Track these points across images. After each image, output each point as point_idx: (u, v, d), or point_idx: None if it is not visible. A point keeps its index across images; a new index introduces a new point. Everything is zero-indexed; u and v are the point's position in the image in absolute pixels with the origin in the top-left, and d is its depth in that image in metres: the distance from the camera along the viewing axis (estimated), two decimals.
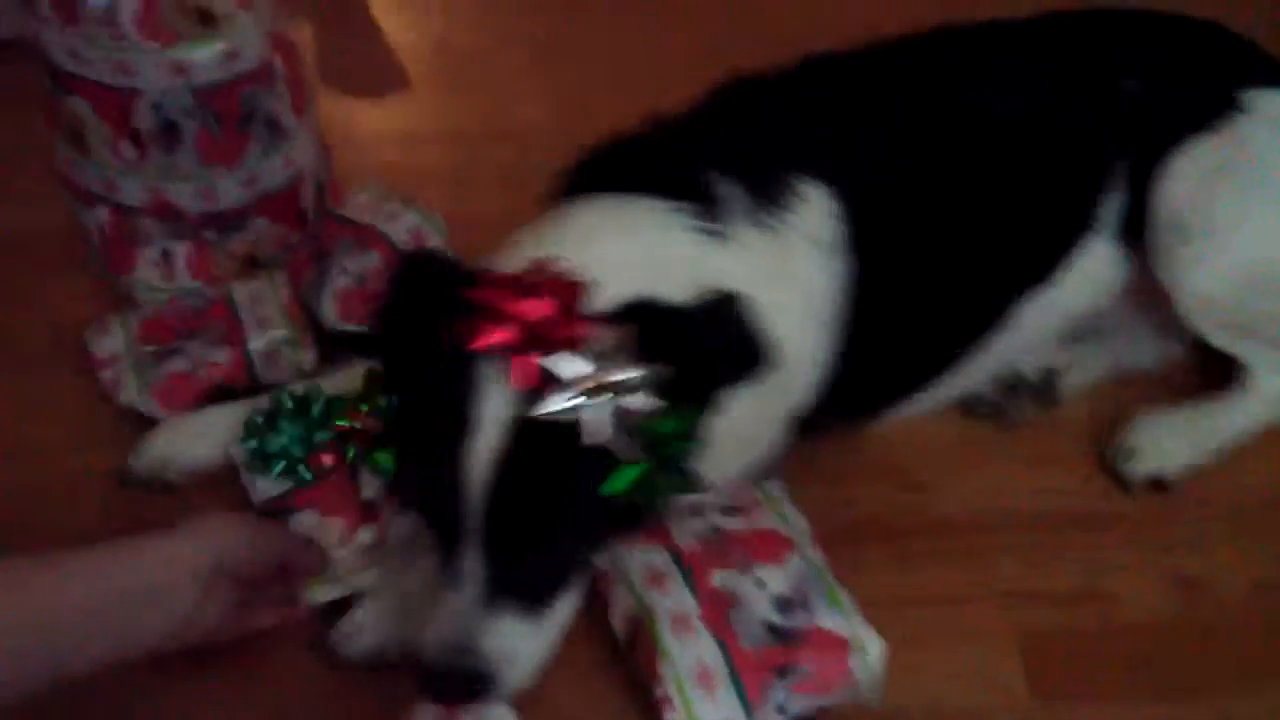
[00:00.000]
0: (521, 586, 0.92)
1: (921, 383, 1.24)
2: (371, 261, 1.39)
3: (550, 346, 0.87)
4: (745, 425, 1.06)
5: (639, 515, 0.97)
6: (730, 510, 1.12)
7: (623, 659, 1.08)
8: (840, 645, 1.02)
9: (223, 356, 1.33)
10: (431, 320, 0.92)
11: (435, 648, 0.92)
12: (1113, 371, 1.37)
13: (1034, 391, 1.32)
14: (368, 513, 1.14)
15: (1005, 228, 1.21)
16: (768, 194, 1.08)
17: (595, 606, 1.08)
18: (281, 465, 1.17)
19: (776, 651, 1.01)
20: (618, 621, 1.07)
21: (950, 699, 1.08)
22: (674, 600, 1.05)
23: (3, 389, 1.34)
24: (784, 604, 1.04)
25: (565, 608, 0.97)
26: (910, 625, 1.07)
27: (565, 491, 0.90)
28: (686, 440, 0.92)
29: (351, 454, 1.15)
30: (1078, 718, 1.07)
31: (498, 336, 0.87)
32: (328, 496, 1.15)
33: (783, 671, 1.00)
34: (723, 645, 1.02)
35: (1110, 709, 1.07)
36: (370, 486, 1.15)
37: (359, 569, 1.10)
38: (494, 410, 0.88)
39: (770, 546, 1.09)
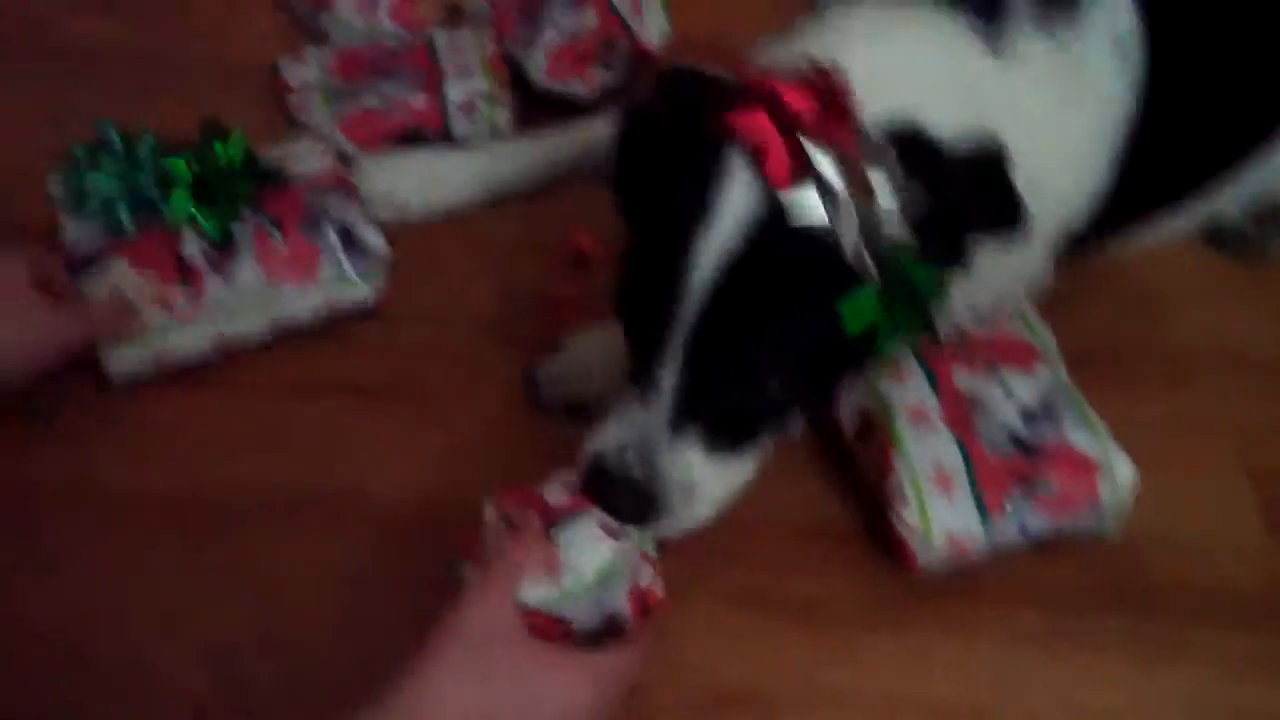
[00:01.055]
0: (716, 418, 0.81)
1: (1184, 198, 1.14)
2: (586, 20, 1.30)
3: (813, 143, 0.75)
4: (1004, 259, 0.96)
5: (864, 359, 0.83)
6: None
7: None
8: (1088, 466, 0.93)
9: (418, 101, 1.25)
10: (682, 114, 0.81)
11: (611, 453, 0.81)
12: None
13: None
14: (185, 271, 1.04)
15: None
16: None
17: None
18: (95, 206, 1.04)
19: (1020, 462, 0.93)
20: (846, 414, 0.99)
21: (1180, 529, 1.00)
22: (913, 394, 0.97)
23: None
24: (1030, 415, 0.95)
25: (758, 455, 0.85)
26: (1137, 452, 0.97)
27: (800, 309, 0.77)
28: (935, 289, 0.80)
29: (176, 205, 1.04)
30: None
31: (757, 123, 0.76)
32: (142, 248, 1.04)
33: (1025, 484, 0.92)
34: (963, 447, 0.94)
35: None
36: (192, 243, 1.04)
37: (167, 330, 1.03)
38: (737, 202, 0.76)
39: (1017, 354, 1.00)
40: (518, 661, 0.75)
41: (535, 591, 0.78)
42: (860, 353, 0.81)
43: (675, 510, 0.81)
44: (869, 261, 0.76)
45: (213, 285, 1.05)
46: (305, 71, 1.27)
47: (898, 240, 0.77)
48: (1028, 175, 0.85)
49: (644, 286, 0.80)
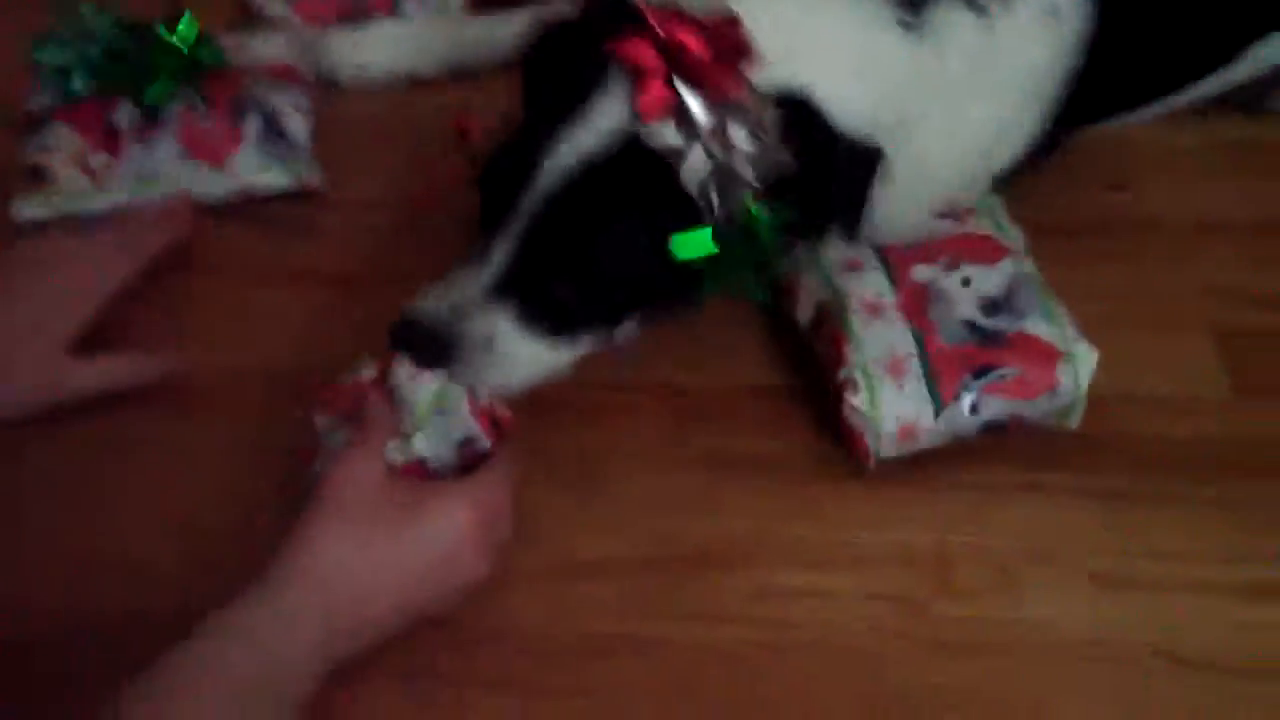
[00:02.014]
0: (535, 300, 0.84)
1: (1152, 100, 1.11)
2: None
3: (690, 85, 0.77)
4: (926, 184, 0.96)
5: (688, 292, 0.85)
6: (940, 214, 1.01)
7: None
8: (1048, 353, 0.91)
9: None
10: (585, 31, 0.83)
11: (425, 303, 0.84)
12: None
13: None
14: (110, 138, 1.06)
15: None
16: None
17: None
18: (51, 76, 1.08)
19: (977, 350, 0.91)
20: (802, 307, 0.97)
21: (1146, 387, 0.98)
22: (869, 287, 0.95)
23: None
24: (991, 306, 0.93)
25: (574, 348, 0.87)
26: (1102, 314, 0.96)
27: (633, 223, 0.80)
28: (774, 246, 0.82)
29: (116, 76, 1.07)
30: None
31: (642, 52, 0.78)
32: (80, 113, 1.07)
33: (981, 371, 0.90)
34: (918, 336, 0.92)
35: None
36: (123, 113, 1.07)
37: (80, 191, 1.04)
38: (605, 115, 0.79)
39: (982, 249, 0.98)
40: (392, 511, 0.78)
41: (388, 449, 0.82)
42: (685, 285, 0.83)
43: (471, 361, 0.84)
44: (715, 202, 0.79)
45: (131, 153, 1.06)
46: None
47: (750, 193, 0.79)
48: (939, 143, 0.91)
49: (504, 166, 0.83)
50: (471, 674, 0.83)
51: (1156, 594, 0.87)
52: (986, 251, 0.98)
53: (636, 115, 0.78)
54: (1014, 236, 1.00)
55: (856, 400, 0.90)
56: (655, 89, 0.78)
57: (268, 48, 1.15)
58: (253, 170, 1.08)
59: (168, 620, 0.70)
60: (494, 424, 0.85)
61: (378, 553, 0.77)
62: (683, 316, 0.90)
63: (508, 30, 1.20)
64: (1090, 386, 0.92)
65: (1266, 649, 0.85)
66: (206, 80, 1.09)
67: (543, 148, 0.81)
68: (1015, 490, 0.92)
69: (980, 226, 1.00)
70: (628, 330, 0.89)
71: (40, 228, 1.04)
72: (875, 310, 0.94)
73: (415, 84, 1.20)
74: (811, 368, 0.97)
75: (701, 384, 0.98)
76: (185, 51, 1.07)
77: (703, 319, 0.92)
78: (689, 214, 0.80)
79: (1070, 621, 0.86)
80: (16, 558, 0.86)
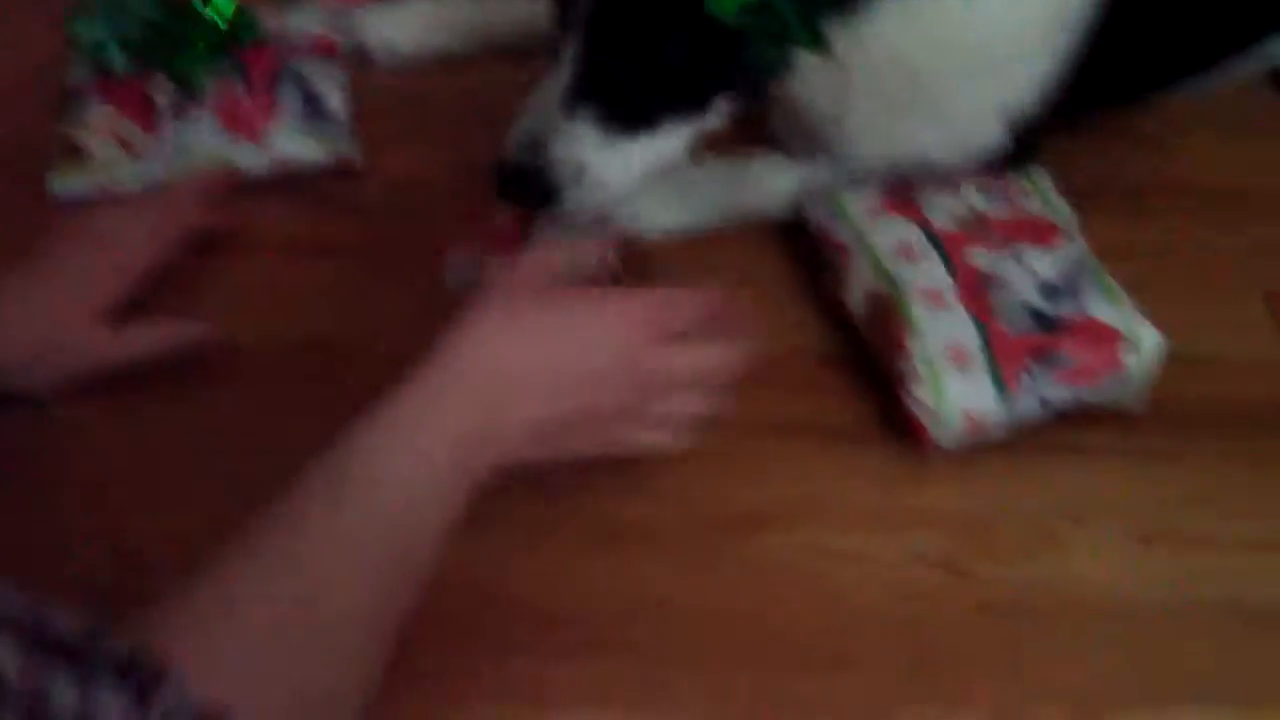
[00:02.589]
0: (612, 97, 0.84)
1: (1188, 74, 1.10)
2: None
3: None
4: (951, 104, 0.94)
5: (751, 53, 0.84)
6: (991, 194, 1.00)
7: None
8: (1111, 336, 0.90)
9: None
10: None
11: (509, 141, 0.85)
12: None
13: None
14: (147, 114, 1.07)
15: None
16: None
17: None
18: (88, 52, 1.09)
19: (1039, 337, 0.90)
20: (856, 297, 0.96)
21: (1192, 348, 0.96)
22: (926, 275, 0.94)
23: None
24: (1050, 290, 0.92)
25: (663, 144, 0.87)
26: (1145, 272, 0.96)
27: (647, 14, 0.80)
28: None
29: (154, 52, 1.08)
30: None
31: None
32: (117, 88, 1.07)
33: (1044, 358, 0.89)
34: (979, 324, 0.91)
35: None
36: (164, 91, 1.07)
37: (117, 165, 1.04)
38: None
39: (1037, 232, 0.97)
40: (551, 313, 0.74)
41: None
42: (739, 46, 0.82)
43: (567, 193, 0.84)
44: None
45: (168, 128, 1.07)
46: None
47: None
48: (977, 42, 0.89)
49: None
50: (517, 641, 0.82)
51: (1202, 552, 0.87)
52: (1041, 233, 0.97)
53: None
54: (1065, 214, 1.00)
55: (921, 393, 0.89)
56: None
57: (305, 22, 1.15)
58: (290, 145, 1.08)
59: None
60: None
61: (532, 342, 0.73)
62: (765, 93, 0.89)
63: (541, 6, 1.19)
64: None
65: None
66: (244, 55, 1.09)
67: None
68: (1058, 451, 0.92)
69: (1031, 205, 1.00)
70: (715, 114, 0.88)
71: (78, 202, 1.04)
72: (936, 299, 0.93)
73: (451, 59, 1.20)
74: (852, 331, 0.97)
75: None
76: (222, 26, 1.08)
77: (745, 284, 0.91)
78: None
79: (1117, 582, 0.86)
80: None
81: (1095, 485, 0.90)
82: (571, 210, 0.86)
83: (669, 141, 0.87)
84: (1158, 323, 0.92)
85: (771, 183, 1.04)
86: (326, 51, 1.14)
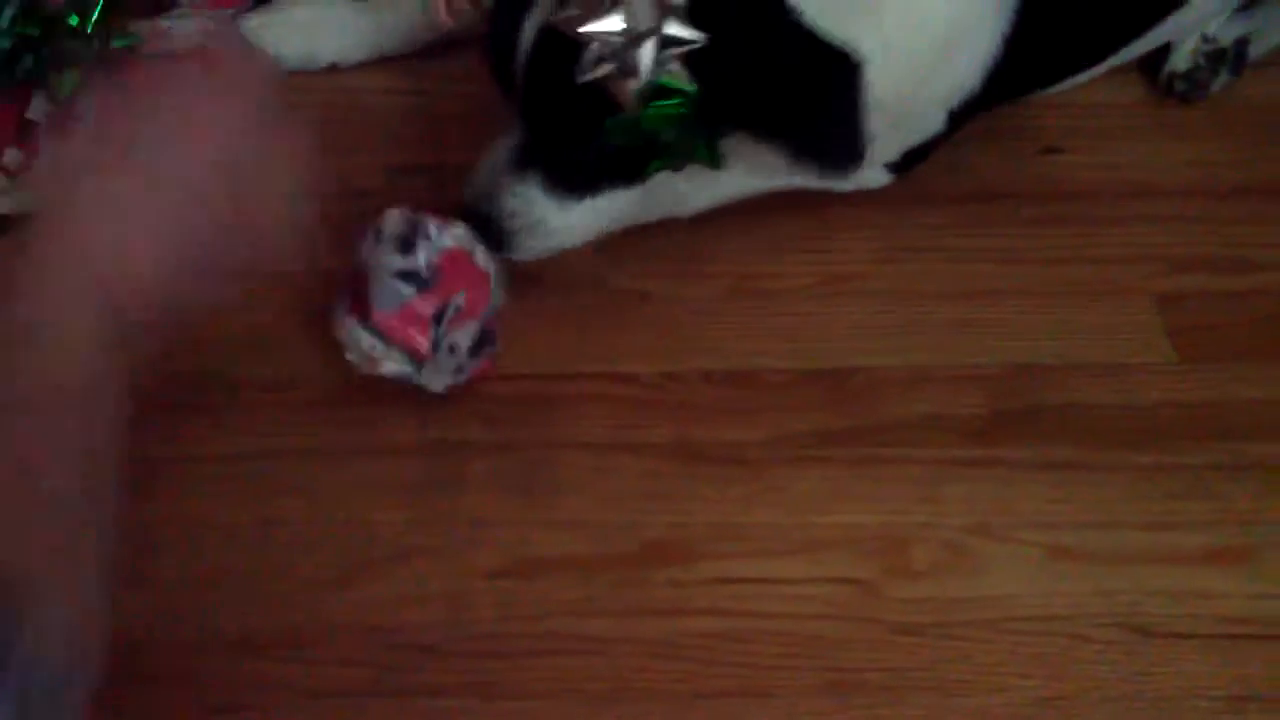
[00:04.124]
0: (555, 167, 0.89)
1: (1097, 57, 1.11)
2: None
3: None
4: (896, 106, 0.92)
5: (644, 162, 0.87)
6: None
7: None
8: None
9: None
10: None
11: (467, 191, 0.92)
12: None
13: (1230, 60, 1.16)
14: (24, 133, 1.02)
15: None
16: None
17: None
18: None
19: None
20: None
21: (1087, 355, 0.98)
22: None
23: None
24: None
25: (607, 204, 0.91)
26: (1045, 279, 1.00)
27: (575, 102, 0.83)
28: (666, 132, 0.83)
29: (28, 66, 1.02)
30: (1223, 379, 0.98)
31: None
32: None
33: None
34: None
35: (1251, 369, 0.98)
36: (38, 107, 1.03)
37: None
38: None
39: None
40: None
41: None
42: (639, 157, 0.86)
43: (519, 240, 0.91)
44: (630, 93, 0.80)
45: (47, 147, 1.01)
46: None
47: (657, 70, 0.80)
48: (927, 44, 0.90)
49: (496, 30, 0.89)
50: (424, 678, 0.81)
51: (1111, 565, 0.87)
52: None
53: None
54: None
55: None
56: None
57: (183, 30, 1.10)
58: None
59: None
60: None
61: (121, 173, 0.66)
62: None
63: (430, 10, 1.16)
64: (1034, 356, 0.96)
65: (1224, 613, 0.86)
66: (122, 68, 1.03)
67: (514, 34, 0.85)
68: (963, 465, 0.92)
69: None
70: (655, 184, 0.90)
71: None
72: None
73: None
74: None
75: (647, 371, 0.96)
76: (97, 39, 1.02)
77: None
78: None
79: (1027, 596, 0.86)
80: None
81: (1003, 498, 0.91)
82: (526, 256, 0.92)
83: (614, 202, 0.91)
84: (1059, 331, 0.96)
85: None
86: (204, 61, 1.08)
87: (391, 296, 0.86)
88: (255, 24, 1.13)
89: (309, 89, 1.13)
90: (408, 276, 0.86)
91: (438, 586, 0.84)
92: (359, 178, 1.05)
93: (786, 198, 1.01)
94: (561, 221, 0.91)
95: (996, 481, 0.91)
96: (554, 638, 0.83)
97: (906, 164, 1.02)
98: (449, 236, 0.88)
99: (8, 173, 1.01)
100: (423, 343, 0.86)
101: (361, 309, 0.87)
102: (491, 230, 0.90)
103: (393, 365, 0.87)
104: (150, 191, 0.66)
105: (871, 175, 1.01)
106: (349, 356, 0.88)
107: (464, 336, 0.88)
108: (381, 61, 1.14)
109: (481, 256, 0.89)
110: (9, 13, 1.02)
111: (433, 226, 0.88)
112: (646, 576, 0.86)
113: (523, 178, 0.90)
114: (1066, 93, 1.11)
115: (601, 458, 0.91)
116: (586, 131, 0.84)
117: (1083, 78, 1.11)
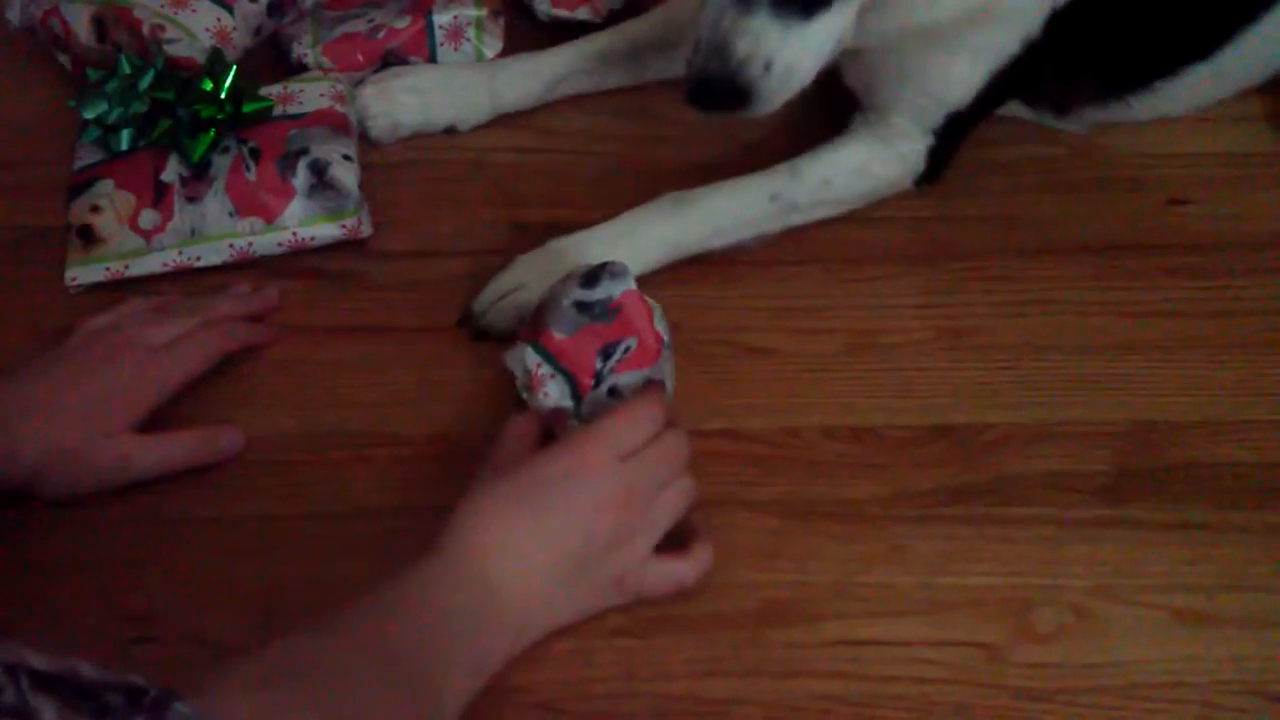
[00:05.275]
0: None
1: (1191, 55, 1.09)
2: None
3: None
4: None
5: None
6: None
7: None
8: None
9: (403, 25, 1.22)
10: None
11: (694, 53, 0.88)
12: None
13: None
14: (159, 195, 1.05)
15: None
16: None
17: None
18: (95, 133, 1.07)
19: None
20: None
21: (1222, 410, 0.97)
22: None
23: None
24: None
25: (837, 19, 0.90)
26: (1176, 333, 1.01)
27: None
28: None
29: (161, 131, 1.05)
30: None
31: None
32: (127, 170, 1.05)
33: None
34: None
35: None
36: (172, 170, 1.05)
37: (132, 251, 1.04)
38: None
39: None
40: (544, 471, 0.80)
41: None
42: None
43: (758, 90, 0.88)
44: None
45: (181, 209, 1.05)
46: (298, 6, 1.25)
47: None
48: None
49: None
50: None
51: (1242, 629, 0.85)
52: None
53: None
54: None
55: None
56: None
57: (317, 94, 1.13)
58: (303, 222, 1.06)
59: None
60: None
61: (529, 524, 0.78)
62: None
63: (544, 74, 1.19)
64: (1162, 412, 0.94)
65: None
66: (251, 131, 1.08)
67: None
68: (1088, 526, 0.90)
69: None
70: None
71: (95, 287, 1.04)
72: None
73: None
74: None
75: (768, 426, 0.96)
76: (230, 104, 1.06)
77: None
78: None
79: (1155, 662, 0.84)
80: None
81: (1131, 560, 0.89)
82: (768, 106, 0.89)
83: (842, 17, 0.90)
84: (1192, 386, 0.96)
85: None
86: (335, 123, 1.11)
87: (567, 322, 0.88)
88: (371, 91, 1.16)
89: (430, 147, 1.15)
90: (584, 307, 0.88)
91: (560, 644, 0.83)
92: (482, 234, 1.08)
93: (905, 252, 1.01)
94: (794, 53, 0.88)
95: (1122, 542, 0.89)
96: (674, 699, 0.83)
97: (946, 138, 1.04)
98: (634, 282, 0.89)
99: (144, 235, 1.04)
100: (588, 371, 0.87)
101: (535, 331, 0.89)
102: (728, 90, 0.88)
103: (554, 393, 0.88)
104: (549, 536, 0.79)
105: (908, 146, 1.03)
106: (514, 374, 0.90)
107: (629, 384, 0.89)
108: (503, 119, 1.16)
109: (660, 320, 0.90)
110: (147, 78, 1.06)
111: (620, 269, 0.89)
112: (767, 636, 0.85)
113: (749, 13, 0.86)
114: (1189, 143, 1.11)
115: (721, 514, 0.90)
116: None
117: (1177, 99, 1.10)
